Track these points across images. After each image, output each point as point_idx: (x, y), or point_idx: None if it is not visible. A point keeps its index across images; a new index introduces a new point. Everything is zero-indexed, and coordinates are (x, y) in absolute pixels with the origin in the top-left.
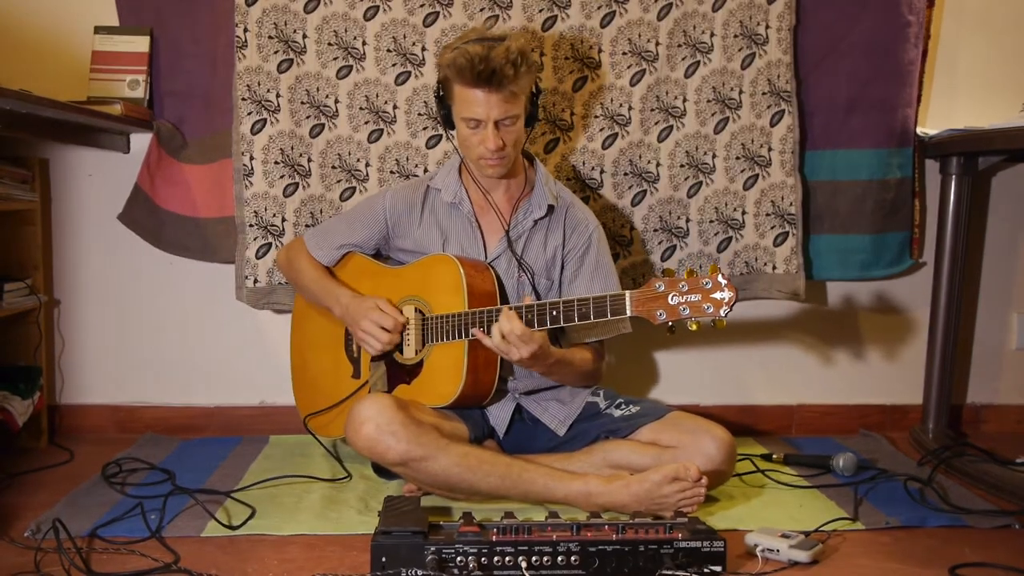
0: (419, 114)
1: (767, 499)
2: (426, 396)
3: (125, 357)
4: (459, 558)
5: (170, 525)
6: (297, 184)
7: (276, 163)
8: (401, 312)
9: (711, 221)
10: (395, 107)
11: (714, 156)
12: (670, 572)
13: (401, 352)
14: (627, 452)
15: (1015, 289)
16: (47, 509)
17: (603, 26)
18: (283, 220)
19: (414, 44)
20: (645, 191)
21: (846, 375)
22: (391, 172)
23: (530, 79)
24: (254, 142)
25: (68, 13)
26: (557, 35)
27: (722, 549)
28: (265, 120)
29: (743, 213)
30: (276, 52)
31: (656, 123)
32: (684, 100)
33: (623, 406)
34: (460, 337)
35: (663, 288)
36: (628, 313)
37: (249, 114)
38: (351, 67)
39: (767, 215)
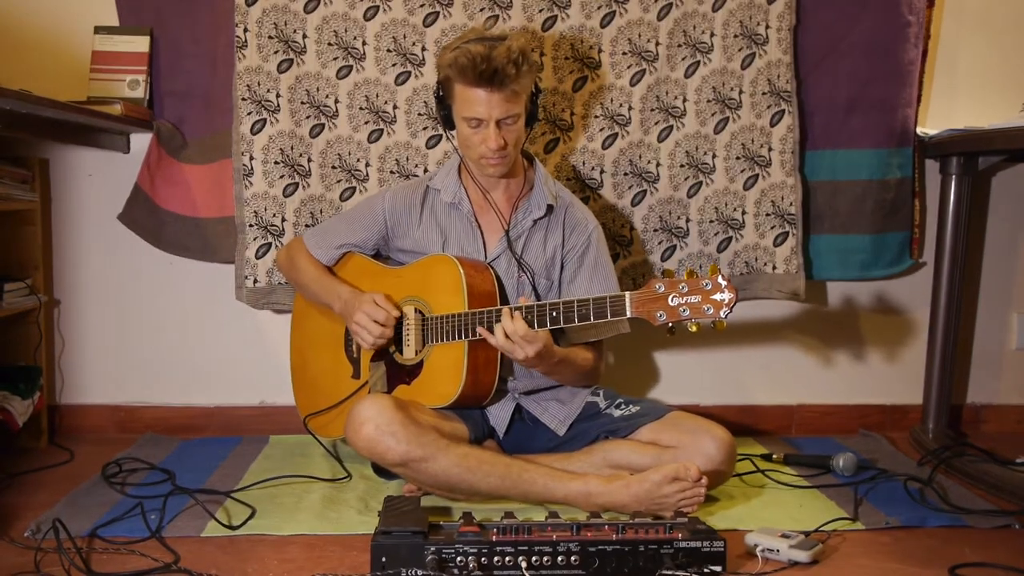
0: (419, 114)
1: (767, 499)
2: (426, 396)
3: (125, 357)
4: (459, 558)
5: (170, 525)
6: (297, 184)
7: (276, 163)
8: (400, 315)
9: (711, 221)
10: (395, 107)
11: (714, 156)
12: (670, 572)
13: (401, 352)
14: (627, 452)
15: (1015, 289)
16: (47, 509)
17: (603, 26)
18: (283, 220)
19: (414, 44)
20: (645, 191)
21: (846, 375)
22: (391, 172)
23: (531, 78)
24: (254, 142)
25: (68, 13)
26: (557, 35)
27: (722, 549)
28: (265, 120)
29: (743, 213)
30: (276, 52)
31: (656, 123)
32: (684, 100)
33: (623, 406)
34: (460, 337)
35: (663, 289)
36: (628, 314)
37: (249, 114)
38: (351, 67)
39: (767, 215)
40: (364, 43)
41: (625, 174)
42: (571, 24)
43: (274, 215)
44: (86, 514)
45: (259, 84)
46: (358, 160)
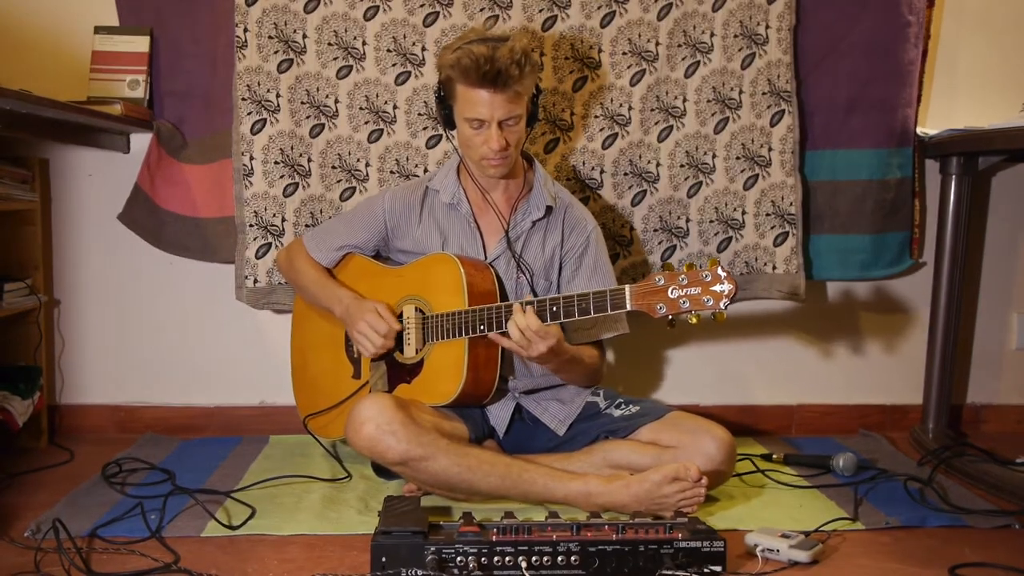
0: (419, 114)
1: (767, 499)
2: (427, 395)
3: (125, 357)
4: (459, 558)
5: (170, 525)
6: (297, 184)
7: (276, 163)
8: (401, 314)
9: (711, 221)
10: (395, 107)
11: (714, 156)
12: (670, 572)
13: (401, 351)
14: (627, 452)
15: (1015, 289)
16: (47, 509)
17: (603, 26)
18: (283, 220)
19: (414, 44)
20: (645, 191)
21: (846, 375)
22: (391, 172)
23: (533, 79)
24: (254, 142)
25: (68, 13)
26: (557, 35)
27: (722, 549)
28: (265, 120)
29: (743, 213)
30: (276, 52)
31: (656, 123)
32: (684, 100)
33: (623, 406)
34: (461, 335)
35: (663, 282)
36: (628, 307)
37: (249, 114)
38: (351, 67)
39: (767, 215)
40: (364, 43)
41: (625, 174)
42: (571, 24)
43: (274, 215)
44: (86, 514)
45: (259, 84)
46: (358, 160)
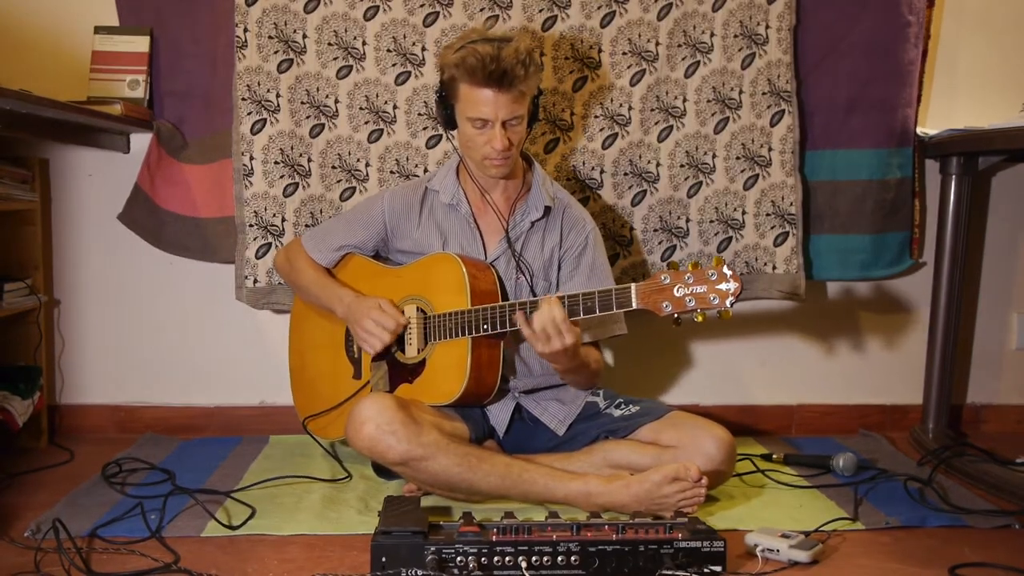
0: (419, 114)
1: (767, 499)
2: (429, 395)
3: (125, 357)
4: (459, 558)
5: (170, 525)
6: (297, 184)
7: (276, 163)
8: (403, 312)
9: (711, 221)
10: (395, 107)
11: (714, 156)
12: (670, 572)
13: (403, 351)
14: (627, 452)
15: (1015, 289)
16: (47, 509)
17: (603, 26)
18: (283, 220)
19: (414, 44)
20: (645, 191)
21: (846, 375)
22: (391, 172)
23: (536, 80)
24: (254, 142)
25: (68, 13)
26: (557, 35)
27: (722, 549)
28: (265, 120)
29: (743, 213)
30: (276, 52)
31: (656, 123)
32: (684, 100)
33: (623, 406)
34: (463, 334)
35: (668, 280)
36: (634, 305)
37: (249, 114)
38: (351, 67)
39: (767, 215)
40: (364, 43)
41: (625, 174)
42: (571, 24)
43: (274, 215)
44: (86, 514)
45: (259, 84)
46: (358, 160)
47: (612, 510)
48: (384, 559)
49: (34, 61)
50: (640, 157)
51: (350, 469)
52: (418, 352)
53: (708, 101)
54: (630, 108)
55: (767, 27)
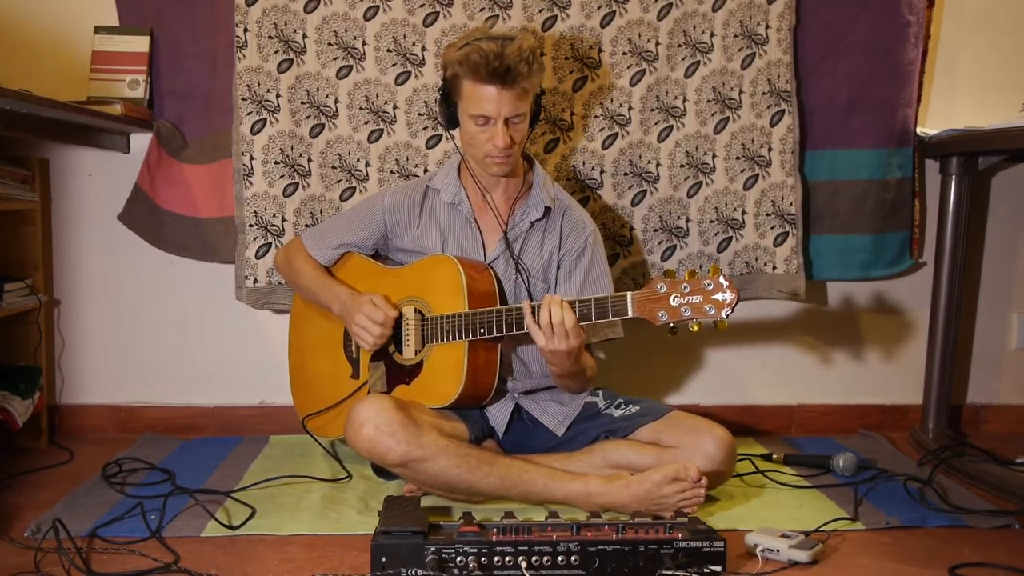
0: (419, 114)
1: (767, 499)
2: (426, 396)
3: (125, 357)
4: (459, 558)
5: (170, 525)
6: (297, 184)
7: (276, 163)
8: (400, 315)
9: (711, 221)
10: (395, 107)
11: (714, 156)
12: (670, 572)
13: (400, 352)
14: (627, 452)
15: (1015, 289)
16: (47, 509)
17: (603, 26)
18: (283, 220)
19: (414, 44)
20: (645, 191)
21: (846, 375)
22: (391, 172)
23: (540, 78)
24: (254, 142)
25: (68, 13)
26: (557, 35)
27: (722, 549)
28: (265, 120)
29: (743, 213)
30: (276, 52)
31: (656, 123)
32: (684, 100)
33: (623, 406)
34: (460, 337)
35: (665, 289)
36: (630, 314)
37: (249, 114)
38: (351, 67)
39: (767, 215)
40: (364, 43)
41: (625, 174)
42: (571, 24)
43: (274, 215)
44: (86, 514)
45: (259, 84)
46: (358, 160)
47: (612, 510)
48: (384, 559)
49: (34, 61)
50: (640, 157)
51: (350, 469)
52: (415, 354)
53: (708, 101)
54: (630, 108)
55: (767, 27)
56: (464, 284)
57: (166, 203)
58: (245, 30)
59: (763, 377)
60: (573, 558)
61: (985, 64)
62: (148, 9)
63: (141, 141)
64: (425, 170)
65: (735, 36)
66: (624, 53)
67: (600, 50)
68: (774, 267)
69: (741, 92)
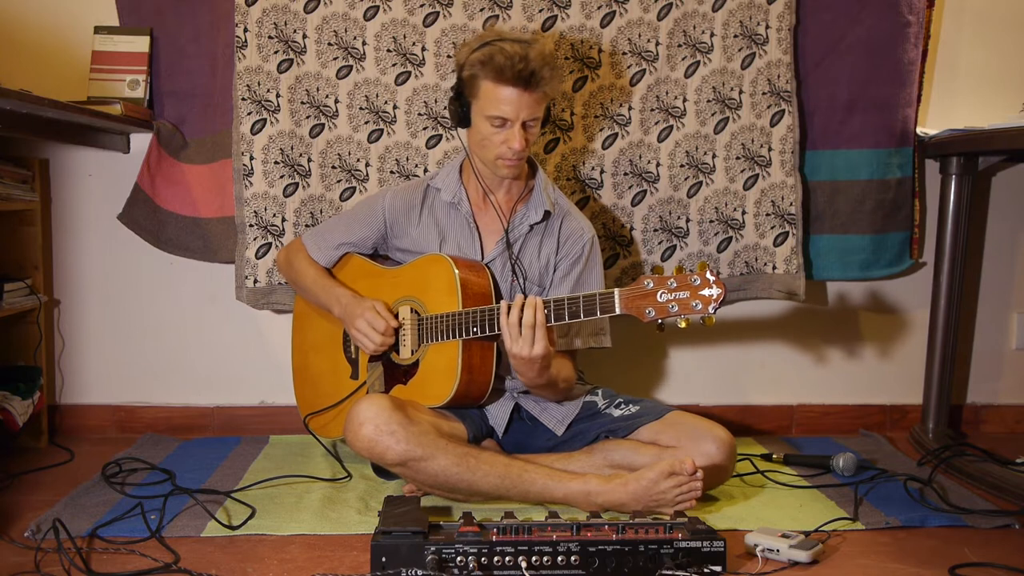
0: (419, 114)
1: (767, 499)
2: (422, 396)
3: (125, 357)
4: (459, 558)
5: (170, 525)
6: (297, 184)
7: (276, 163)
8: (397, 314)
9: (711, 221)
10: (395, 107)
11: (714, 156)
12: (670, 572)
13: (398, 352)
14: (627, 452)
15: (1015, 289)
16: (47, 509)
17: (603, 26)
18: (283, 220)
19: (414, 44)
20: (645, 191)
21: (846, 375)
22: (391, 172)
23: (558, 83)
24: (254, 142)
25: (68, 13)
26: (557, 35)
27: (722, 549)
28: (265, 120)
29: (743, 213)
30: (276, 52)
31: (656, 123)
32: (684, 100)
33: (622, 406)
34: (454, 336)
35: (652, 285)
36: (617, 311)
37: (249, 114)
38: (351, 67)
39: (767, 215)
40: (364, 43)
41: (625, 174)
42: (571, 24)
43: (274, 215)
44: (86, 514)
45: (259, 84)
46: (358, 160)
47: (611, 509)
48: (384, 559)
49: (34, 61)
50: (640, 157)
51: (350, 469)
52: (412, 353)
53: (708, 101)
54: (630, 108)
55: (767, 27)
56: (458, 284)
57: (166, 203)
58: (245, 30)
59: (763, 377)
60: (573, 558)
61: (985, 64)
62: (148, 9)
63: (141, 141)
64: (425, 170)
65: (735, 36)
66: (624, 53)
67: (600, 50)
68: (774, 267)
69: (741, 92)
